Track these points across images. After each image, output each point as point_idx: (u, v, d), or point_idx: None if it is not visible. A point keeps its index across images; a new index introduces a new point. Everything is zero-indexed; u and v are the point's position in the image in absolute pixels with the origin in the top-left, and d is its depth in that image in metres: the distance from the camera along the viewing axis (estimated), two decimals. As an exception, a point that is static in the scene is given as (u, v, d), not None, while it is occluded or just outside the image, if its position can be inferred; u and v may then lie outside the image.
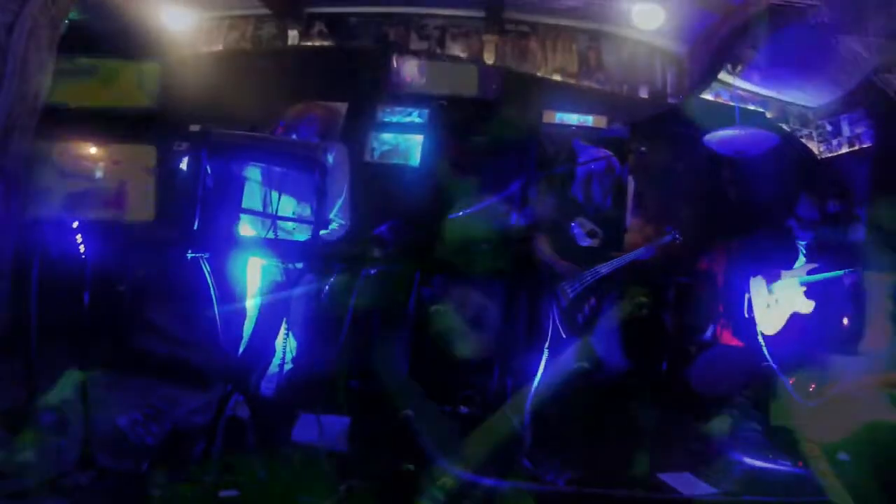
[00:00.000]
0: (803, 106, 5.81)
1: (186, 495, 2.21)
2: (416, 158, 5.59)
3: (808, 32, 4.24)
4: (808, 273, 3.81)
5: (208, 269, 2.37)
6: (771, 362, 3.71)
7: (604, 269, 3.43)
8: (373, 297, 3.79)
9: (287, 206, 2.72)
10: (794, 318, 3.83)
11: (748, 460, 3.24)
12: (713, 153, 4.68)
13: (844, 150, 5.45)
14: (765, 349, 3.77)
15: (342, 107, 5.42)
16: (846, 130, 5.45)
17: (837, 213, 4.13)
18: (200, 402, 3.31)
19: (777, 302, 3.90)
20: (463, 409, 3.67)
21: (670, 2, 4.88)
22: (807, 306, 3.78)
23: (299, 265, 2.55)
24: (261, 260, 3.10)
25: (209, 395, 3.43)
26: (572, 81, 5.87)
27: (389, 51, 5.74)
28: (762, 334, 3.84)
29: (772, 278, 3.96)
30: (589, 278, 3.42)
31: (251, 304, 3.21)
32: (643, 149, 4.11)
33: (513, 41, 5.93)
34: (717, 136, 4.55)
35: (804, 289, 3.79)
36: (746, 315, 3.96)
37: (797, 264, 3.96)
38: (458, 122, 5.40)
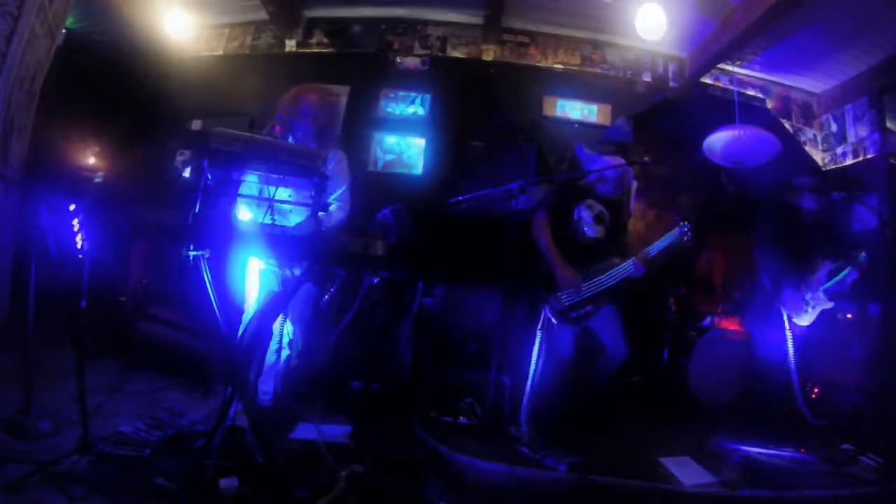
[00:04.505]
0: (807, 93, 5.85)
1: (186, 483, 2.17)
2: (418, 166, 5.65)
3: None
4: (828, 278, 3.76)
5: (207, 267, 2.36)
6: (791, 355, 3.67)
7: (602, 283, 3.40)
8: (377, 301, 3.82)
9: (283, 194, 2.71)
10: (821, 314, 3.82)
11: (747, 448, 3.22)
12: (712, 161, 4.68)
13: (849, 160, 5.44)
14: (790, 342, 3.70)
15: (342, 90, 5.57)
16: (851, 134, 5.42)
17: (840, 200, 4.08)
18: (202, 412, 3.35)
19: (812, 310, 3.84)
20: (466, 414, 3.64)
21: (670, 10, 4.88)
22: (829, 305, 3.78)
23: (297, 271, 2.52)
24: (259, 264, 3.10)
25: (211, 404, 3.48)
26: (574, 69, 5.91)
27: (392, 53, 5.82)
28: (792, 326, 3.76)
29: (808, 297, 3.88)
30: (586, 293, 3.40)
31: (249, 307, 3.21)
32: (647, 159, 4.07)
33: (511, 49, 5.95)
34: (716, 139, 4.53)
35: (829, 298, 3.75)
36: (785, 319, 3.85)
37: (812, 267, 3.89)
38: (460, 118, 5.46)
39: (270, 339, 3.01)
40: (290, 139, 3.18)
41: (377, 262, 2.39)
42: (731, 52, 5.12)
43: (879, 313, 3.79)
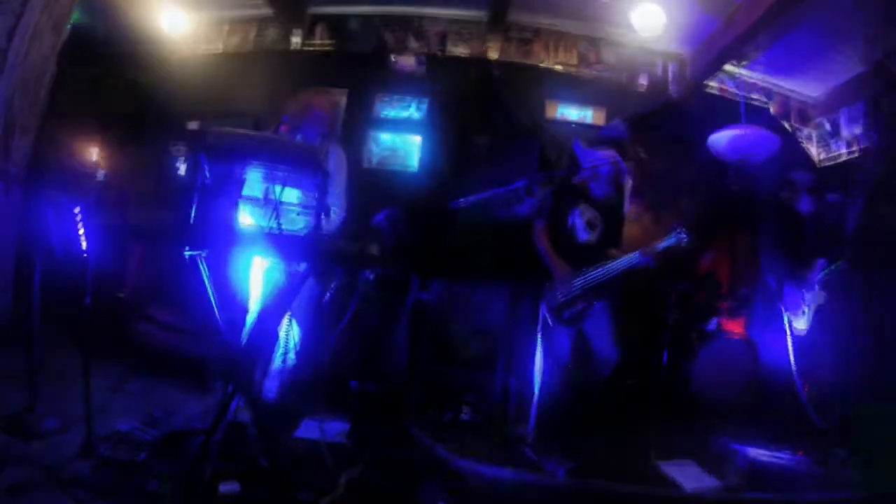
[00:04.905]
0: (804, 97, 5.82)
1: (185, 487, 2.18)
2: (414, 162, 5.52)
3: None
4: (821, 271, 3.77)
5: (205, 267, 2.37)
6: (793, 359, 3.71)
7: (598, 276, 3.41)
8: (372, 299, 3.82)
9: (291, 196, 2.70)
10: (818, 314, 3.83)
11: (749, 450, 3.22)
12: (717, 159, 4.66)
13: (843, 154, 5.44)
14: (790, 344, 3.74)
15: (342, 95, 5.48)
16: (845, 132, 5.44)
17: (835, 202, 4.08)
18: (199, 408, 3.36)
19: (808, 308, 3.85)
20: (464, 415, 3.65)
21: (671, 6, 4.85)
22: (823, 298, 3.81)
23: (302, 267, 2.53)
24: (264, 262, 3.11)
25: (208, 401, 3.48)
26: (573, 71, 5.86)
27: (388, 52, 5.77)
28: (792, 329, 3.81)
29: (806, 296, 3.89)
30: (581, 286, 3.41)
31: (253, 304, 3.21)
32: (643, 154, 4.05)
33: (516, 46, 5.91)
34: (722, 136, 4.52)
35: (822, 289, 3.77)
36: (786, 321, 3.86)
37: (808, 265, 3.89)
38: (459, 116, 5.41)
39: (276, 337, 3.02)
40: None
41: (373, 261, 2.40)
42: (738, 47, 5.05)
43: (875, 312, 3.79)
